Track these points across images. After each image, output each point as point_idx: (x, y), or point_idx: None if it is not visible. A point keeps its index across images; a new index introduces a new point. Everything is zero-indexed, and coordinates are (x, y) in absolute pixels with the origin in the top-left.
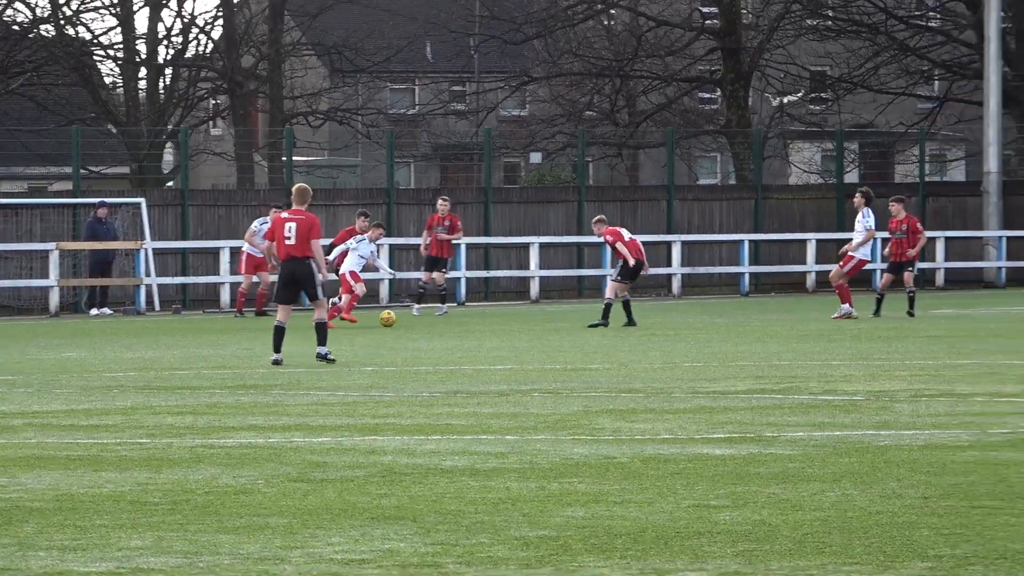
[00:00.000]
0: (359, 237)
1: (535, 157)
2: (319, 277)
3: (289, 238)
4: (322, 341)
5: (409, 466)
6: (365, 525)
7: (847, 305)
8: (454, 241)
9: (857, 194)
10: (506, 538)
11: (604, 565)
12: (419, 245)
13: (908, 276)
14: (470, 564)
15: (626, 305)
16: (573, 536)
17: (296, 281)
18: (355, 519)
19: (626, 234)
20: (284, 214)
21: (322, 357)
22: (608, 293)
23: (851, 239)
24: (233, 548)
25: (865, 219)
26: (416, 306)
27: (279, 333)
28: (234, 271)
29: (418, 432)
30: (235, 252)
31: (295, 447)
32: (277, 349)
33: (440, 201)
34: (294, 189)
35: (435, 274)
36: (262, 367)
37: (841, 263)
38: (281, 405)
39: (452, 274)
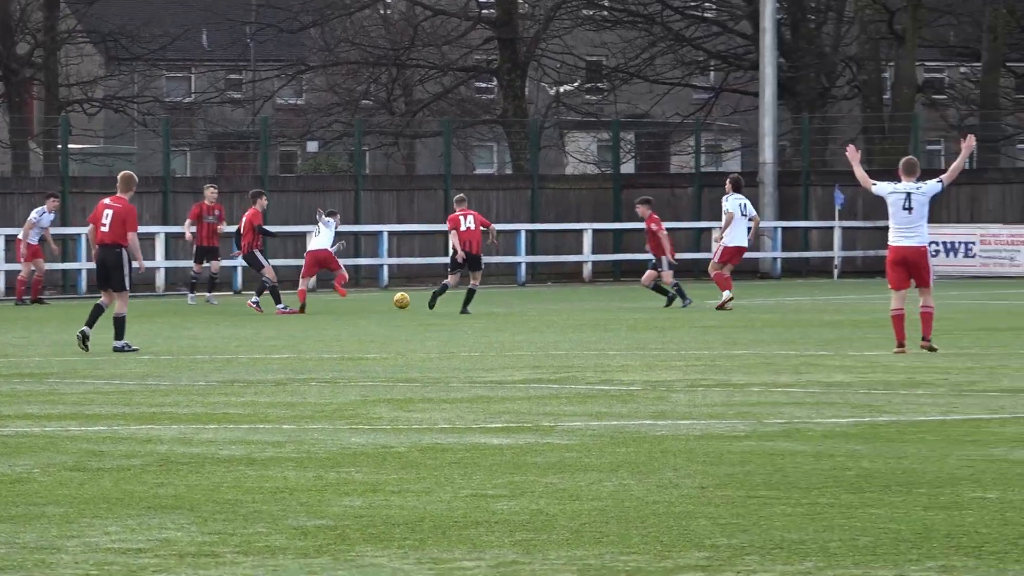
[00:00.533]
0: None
1: (312, 146)
2: (128, 268)
3: (105, 224)
4: (119, 335)
5: (186, 455)
6: (142, 514)
7: (727, 292)
8: (221, 229)
9: (727, 181)
10: (284, 527)
11: (382, 554)
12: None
13: (650, 275)
14: (247, 554)
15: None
16: (351, 525)
17: (105, 268)
18: (132, 508)
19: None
20: (107, 200)
21: (119, 350)
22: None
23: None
24: (9, 537)
25: (725, 203)
26: (192, 295)
27: (96, 310)
28: (11, 259)
29: (195, 421)
30: (11, 240)
31: (71, 436)
32: (89, 324)
33: (210, 189)
34: (119, 176)
35: (210, 263)
36: (37, 355)
37: (715, 253)
38: (57, 393)
39: (229, 263)
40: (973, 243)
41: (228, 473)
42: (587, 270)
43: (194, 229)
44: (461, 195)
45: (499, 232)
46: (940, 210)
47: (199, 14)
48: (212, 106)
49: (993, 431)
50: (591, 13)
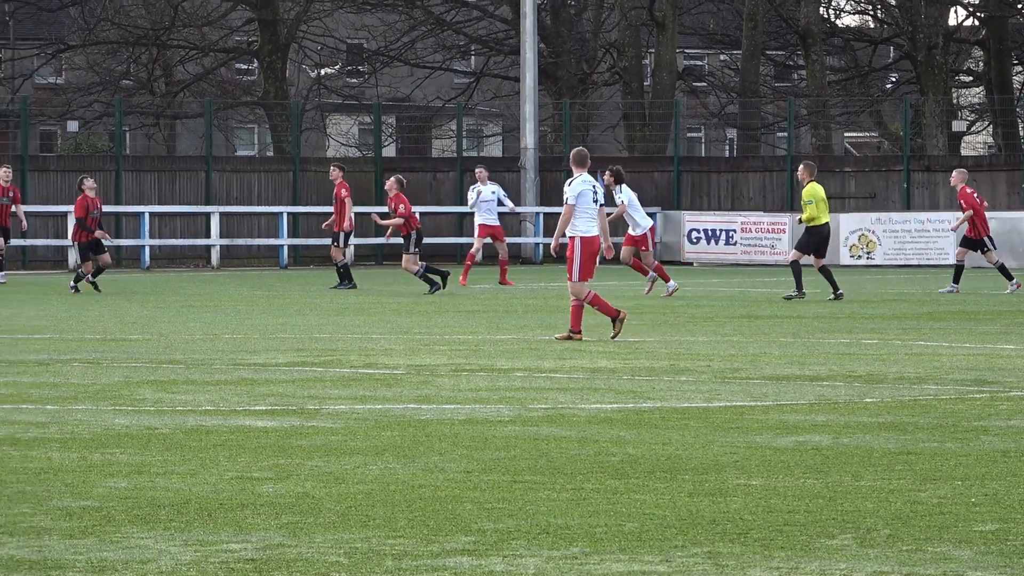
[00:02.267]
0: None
1: (72, 126)
2: None
3: None
4: None
5: None
6: None
7: (672, 283)
8: (13, 209)
9: (607, 173)
10: (48, 508)
11: (148, 536)
12: None
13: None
14: (12, 535)
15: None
16: (116, 507)
17: None
18: None
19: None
20: None
21: None
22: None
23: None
24: None
25: (618, 195)
26: None
27: None
28: None
29: None
30: None
31: None
32: None
33: (3, 170)
34: None
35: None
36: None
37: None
38: None
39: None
40: (734, 231)
41: None
42: (349, 253)
43: None
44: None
45: (262, 214)
46: (701, 197)
47: None
48: None
49: (756, 418)
50: None
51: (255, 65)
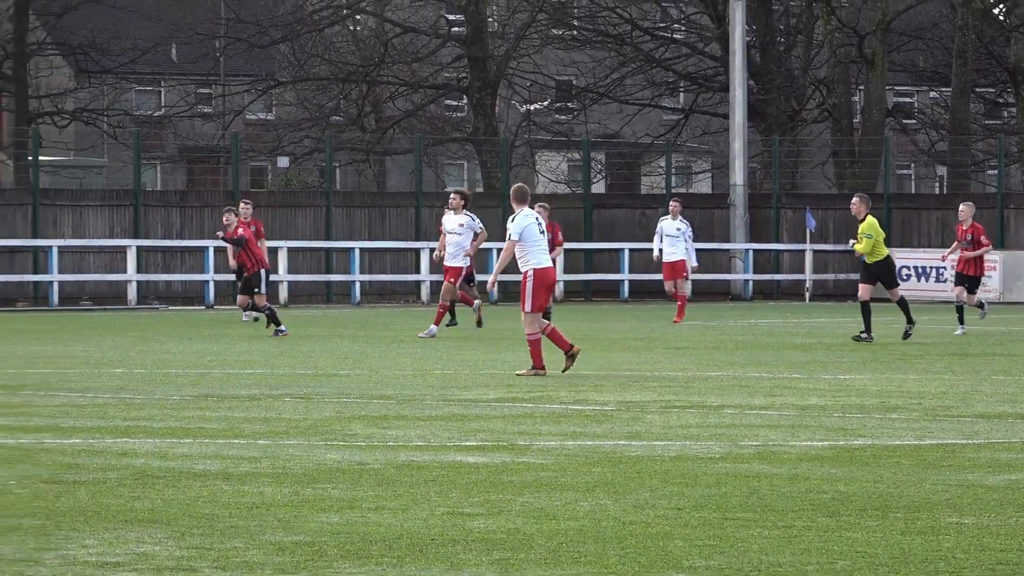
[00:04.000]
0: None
1: (283, 161)
2: None
3: None
4: None
5: (162, 469)
6: (118, 528)
7: None
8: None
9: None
10: (261, 543)
11: (360, 571)
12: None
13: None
14: (225, 569)
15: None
16: (328, 542)
17: None
18: (108, 521)
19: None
20: None
21: None
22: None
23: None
24: None
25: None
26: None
27: None
28: None
29: (170, 435)
30: None
31: (46, 448)
32: None
33: (243, 204)
34: None
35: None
36: (11, 368)
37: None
38: (31, 406)
39: (196, 277)
40: (944, 268)
41: (204, 488)
42: (559, 289)
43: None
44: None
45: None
46: (911, 234)
47: (168, 28)
48: (182, 120)
49: (968, 456)
50: (561, 32)
51: (465, 101)
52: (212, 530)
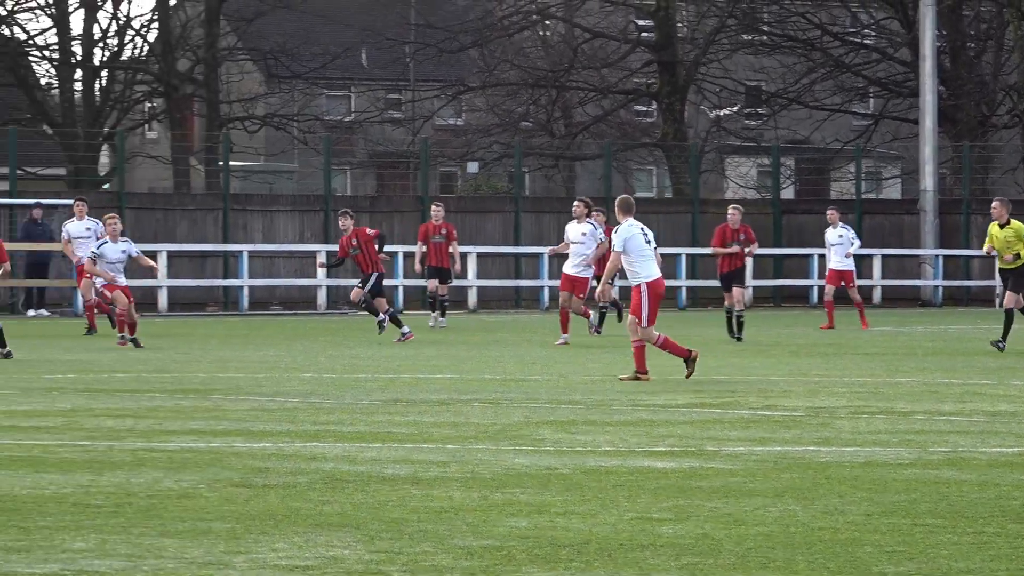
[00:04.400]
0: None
1: (472, 167)
2: None
3: None
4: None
5: (351, 473)
6: (308, 531)
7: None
8: (450, 250)
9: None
10: (450, 547)
11: None
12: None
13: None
14: (414, 573)
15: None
16: (517, 546)
17: None
18: (298, 525)
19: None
20: None
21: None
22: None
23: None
24: (177, 552)
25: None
26: (435, 317)
27: None
28: (173, 274)
29: (359, 440)
30: (174, 256)
31: (236, 452)
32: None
33: (434, 207)
34: None
35: (438, 284)
36: (201, 372)
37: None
38: (221, 410)
39: (390, 282)
40: None
41: (393, 492)
42: (748, 295)
43: (424, 250)
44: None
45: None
46: None
47: (358, 33)
48: (372, 125)
49: None
50: (750, 38)
51: (654, 106)
52: (401, 534)
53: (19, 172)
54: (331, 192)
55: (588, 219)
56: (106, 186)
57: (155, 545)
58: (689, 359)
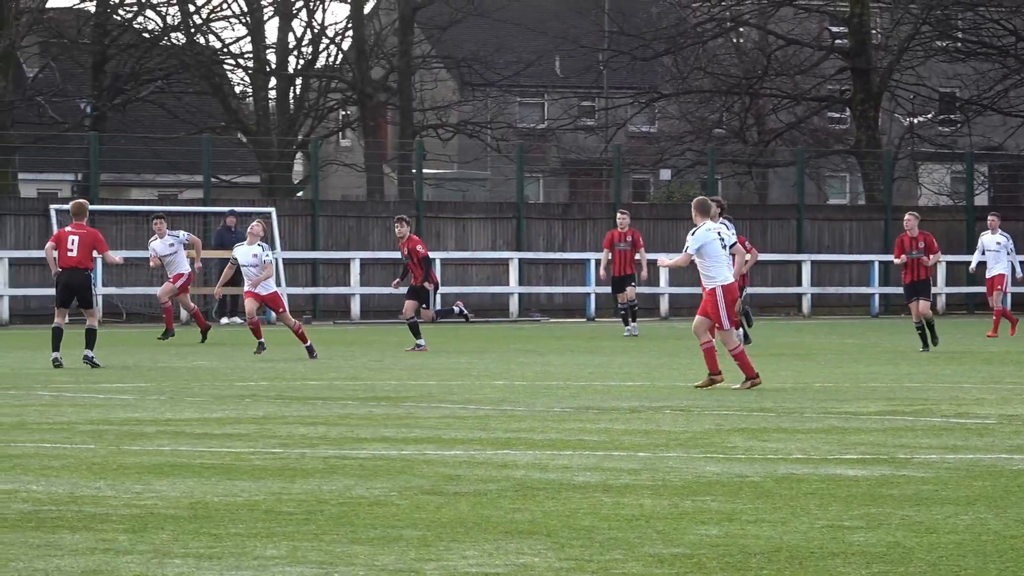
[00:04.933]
0: None
1: (664, 174)
2: (94, 287)
3: (71, 250)
4: (90, 345)
5: (542, 481)
6: (499, 539)
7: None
8: (637, 256)
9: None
10: (640, 555)
11: None
12: (546, 261)
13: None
14: None
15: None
16: (707, 554)
17: (71, 289)
18: (489, 533)
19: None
20: (68, 228)
21: (88, 360)
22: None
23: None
24: (368, 559)
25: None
26: (631, 325)
27: (57, 334)
28: (365, 282)
29: (550, 447)
30: (366, 264)
31: (428, 460)
32: (56, 348)
33: (620, 215)
34: (74, 205)
35: (628, 290)
36: (393, 379)
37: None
38: (413, 417)
39: (582, 289)
40: None
41: (584, 499)
42: (940, 302)
43: (610, 257)
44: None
45: (853, 263)
46: None
47: (551, 41)
48: (565, 133)
49: None
50: (944, 44)
51: (847, 114)
52: (592, 542)
53: (213, 180)
54: (524, 200)
55: (722, 219)
56: (299, 194)
57: (346, 552)
58: (753, 379)
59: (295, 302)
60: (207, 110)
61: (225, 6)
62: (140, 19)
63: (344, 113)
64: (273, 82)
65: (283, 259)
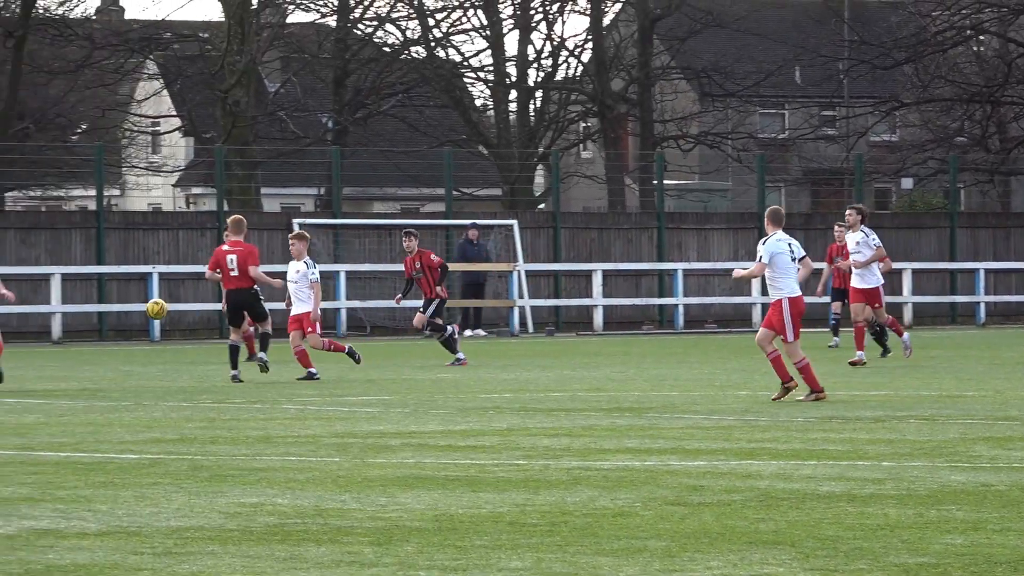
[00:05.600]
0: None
1: (906, 182)
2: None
3: (233, 270)
4: (263, 348)
5: (786, 491)
6: (743, 549)
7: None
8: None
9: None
10: (885, 564)
11: None
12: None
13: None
14: None
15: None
16: (953, 563)
17: (239, 308)
18: (733, 543)
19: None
20: (225, 246)
21: (261, 362)
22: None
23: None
24: (613, 570)
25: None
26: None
27: (234, 351)
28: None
29: (794, 457)
30: (607, 275)
31: (671, 470)
32: (234, 366)
33: (836, 228)
34: (232, 220)
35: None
36: (636, 390)
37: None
38: (656, 428)
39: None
40: None
41: (828, 509)
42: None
43: (830, 270)
44: None
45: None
46: None
47: (791, 50)
48: (806, 142)
49: None
50: None
51: None
52: (836, 552)
53: (455, 193)
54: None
55: (862, 227)
56: (541, 206)
57: (590, 563)
58: (818, 393)
59: (537, 313)
60: (448, 123)
61: (465, 19)
62: (380, 33)
63: (584, 125)
64: (513, 95)
65: (525, 271)
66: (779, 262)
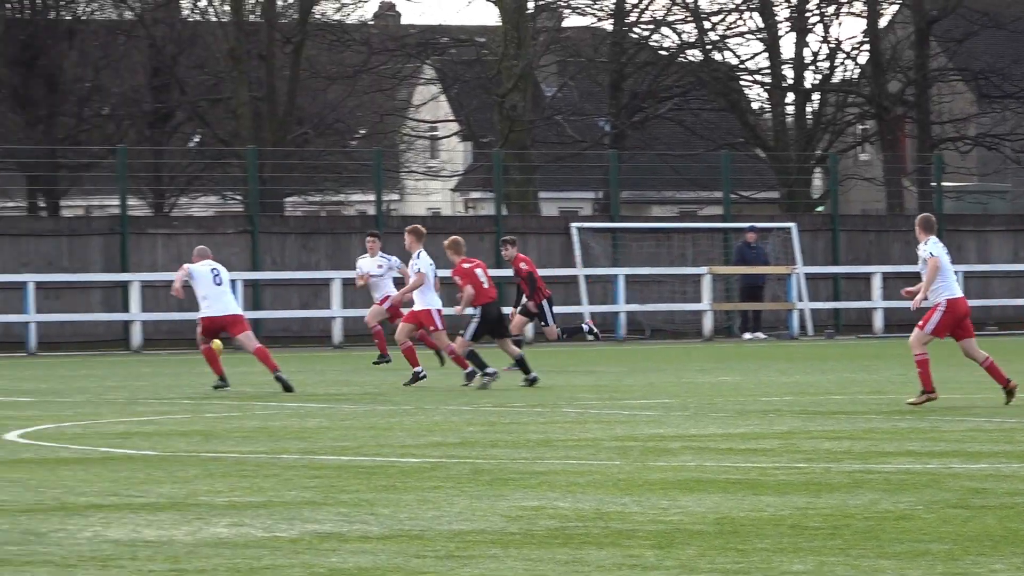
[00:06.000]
0: None
1: None
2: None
3: (485, 283)
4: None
5: None
6: None
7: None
8: None
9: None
10: None
11: None
12: None
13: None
14: None
15: None
16: None
17: (491, 320)
18: (1017, 546)
19: None
20: (467, 265)
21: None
22: None
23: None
24: (895, 574)
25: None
26: None
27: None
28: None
29: None
30: (886, 278)
31: (953, 473)
32: (525, 372)
33: None
34: (454, 241)
35: None
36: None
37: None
38: (938, 431)
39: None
40: None
41: None
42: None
43: None
44: None
45: None
46: None
47: None
48: None
49: None
50: None
51: None
52: None
53: (732, 196)
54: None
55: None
56: (819, 209)
57: (873, 567)
58: (929, 394)
59: (817, 316)
60: (725, 126)
61: (740, 22)
62: (656, 37)
63: (862, 127)
64: (790, 97)
65: (804, 274)
66: (943, 265)
